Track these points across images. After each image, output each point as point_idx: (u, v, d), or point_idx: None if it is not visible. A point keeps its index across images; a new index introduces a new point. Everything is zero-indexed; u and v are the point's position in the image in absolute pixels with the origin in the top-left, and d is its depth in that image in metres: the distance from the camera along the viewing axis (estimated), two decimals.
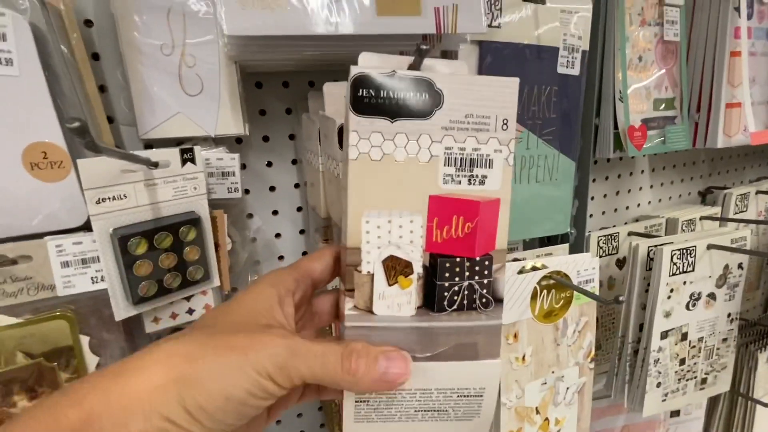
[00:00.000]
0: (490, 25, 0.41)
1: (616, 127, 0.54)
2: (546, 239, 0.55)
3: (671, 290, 0.53)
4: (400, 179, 0.21)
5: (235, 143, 0.44)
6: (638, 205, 0.72)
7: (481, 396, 0.23)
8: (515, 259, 0.49)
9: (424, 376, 0.22)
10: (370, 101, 0.20)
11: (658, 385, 0.56)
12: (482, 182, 0.22)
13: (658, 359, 0.55)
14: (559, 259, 0.48)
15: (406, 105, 0.20)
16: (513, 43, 0.43)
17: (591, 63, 0.49)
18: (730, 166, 0.82)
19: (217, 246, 0.38)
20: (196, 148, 0.35)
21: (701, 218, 0.68)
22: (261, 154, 0.46)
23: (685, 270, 0.53)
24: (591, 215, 0.68)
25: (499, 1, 0.41)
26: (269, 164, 0.47)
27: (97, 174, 0.30)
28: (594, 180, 0.66)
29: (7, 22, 0.28)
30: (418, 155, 0.20)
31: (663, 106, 0.59)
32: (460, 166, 0.21)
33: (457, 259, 0.22)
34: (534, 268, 0.46)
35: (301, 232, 0.50)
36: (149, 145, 0.40)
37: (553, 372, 0.47)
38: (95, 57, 0.38)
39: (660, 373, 0.56)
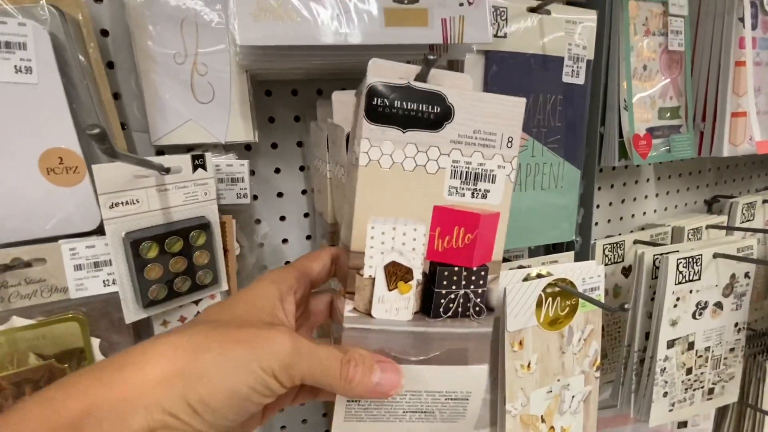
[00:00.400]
0: (496, 35, 0.42)
1: (621, 135, 0.55)
2: (551, 247, 0.56)
3: (677, 299, 0.53)
4: (407, 188, 0.21)
5: (244, 150, 0.45)
6: (644, 213, 0.72)
7: (467, 399, 0.24)
8: (520, 267, 0.49)
9: (416, 378, 0.23)
10: (383, 110, 0.20)
11: (665, 394, 0.56)
12: (484, 196, 0.22)
13: (665, 368, 0.55)
14: (564, 266, 0.48)
15: (418, 116, 0.21)
16: (519, 53, 0.43)
17: (596, 72, 0.49)
18: (736, 175, 0.82)
19: (225, 251, 0.38)
20: (207, 155, 0.35)
21: (707, 227, 0.68)
22: (270, 161, 0.47)
23: (691, 279, 0.53)
24: (596, 223, 0.68)
25: (505, 11, 0.42)
26: (277, 171, 0.48)
27: (111, 179, 0.31)
28: (599, 188, 0.66)
29: (28, 31, 0.29)
30: (426, 166, 0.21)
31: (668, 115, 0.59)
32: (465, 179, 0.22)
33: (455, 268, 0.23)
34: (539, 276, 0.46)
35: (308, 237, 0.51)
36: (161, 151, 0.40)
37: (558, 380, 0.47)
38: (110, 65, 0.39)
39: (667, 382, 0.55)
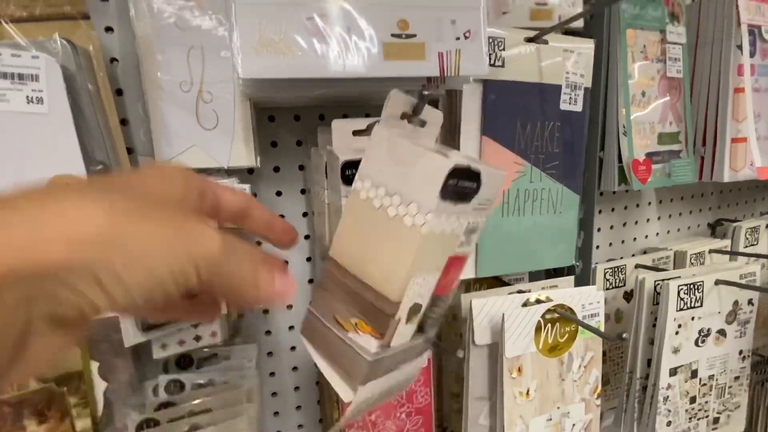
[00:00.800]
0: (493, 65, 0.43)
1: (620, 160, 0.55)
2: (552, 271, 0.56)
3: (679, 326, 0.53)
4: (440, 246, 0.24)
5: (247, 173, 0.46)
6: (646, 236, 0.72)
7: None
8: (520, 291, 0.49)
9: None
10: (454, 189, 0.22)
11: (669, 423, 0.55)
12: (468, 244, 0.27)
13: (668, 396, 0.54)
14: (564, 291, 0.48)
15: (465, 192, 0.24)
16: (516, 82, 0.44)
17: (594, 99, 0.50)
18: (739, 198, 0.81)
19: None
20: None
21: (710, 251, 0.67)
22: (271, 184, 0.48)
23: (692, 305, 0.53)
24: (597, 247, 0.68)
25: (503, 41, 0.43)
26: (279, 193, 0.48)
27: None
28: (600, 211, 0.66)
29: (41, 64, 0.31)
30: (453, 229, 0.24)
31: (668, 140, 0.59)
32: (466, 234, 0.26)
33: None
34: (538, 301, 0.46)
35: (308, 259, 0.51)
36: None
37: (558, 408, 0.47)
38: (119, 92, 0.40)
39: (670, 411, 0.54)
